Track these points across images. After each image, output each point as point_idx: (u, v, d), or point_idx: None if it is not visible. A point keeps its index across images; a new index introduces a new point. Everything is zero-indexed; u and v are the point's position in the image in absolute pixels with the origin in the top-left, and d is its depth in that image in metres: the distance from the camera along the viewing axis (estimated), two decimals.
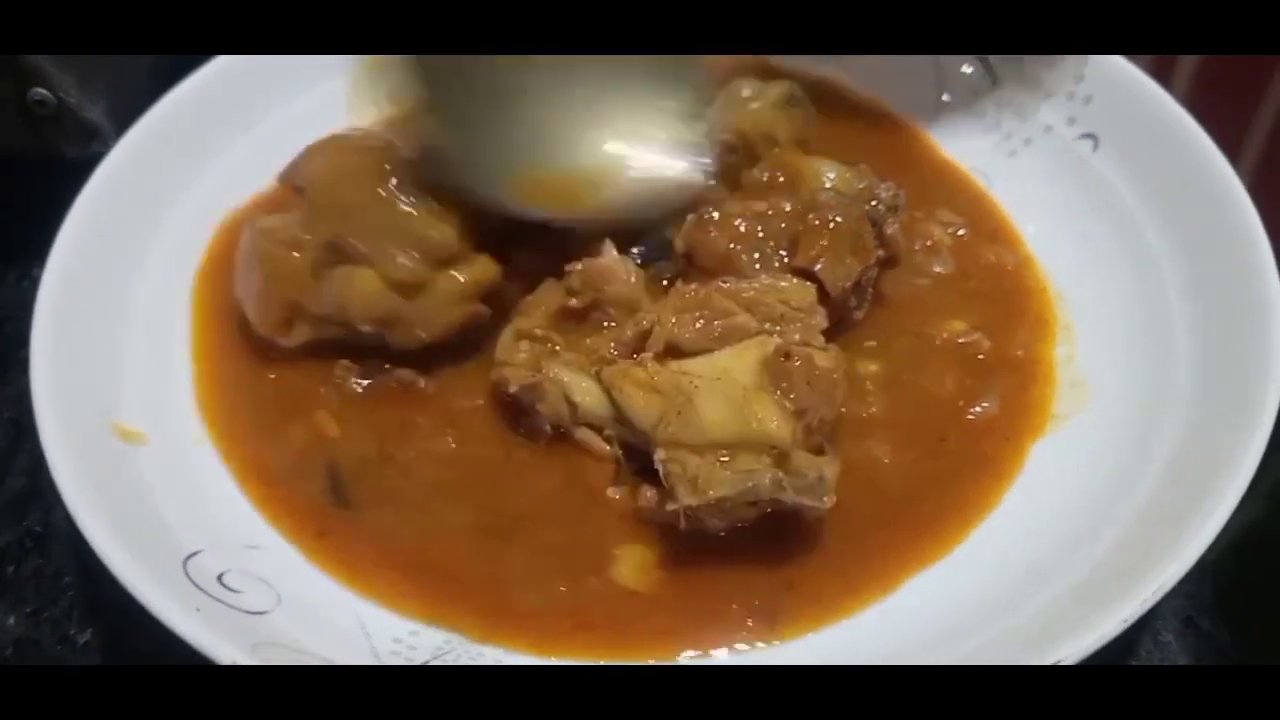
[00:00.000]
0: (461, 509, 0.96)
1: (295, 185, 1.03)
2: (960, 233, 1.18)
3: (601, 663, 0.86)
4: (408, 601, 0.90)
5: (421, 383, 1.03)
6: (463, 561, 0.92)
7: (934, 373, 1.05)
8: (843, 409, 1.00)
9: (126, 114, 1.20)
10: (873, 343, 1.07)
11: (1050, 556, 0.90)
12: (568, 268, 1.04)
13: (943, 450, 1.00)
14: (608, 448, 0.99)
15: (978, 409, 1.02)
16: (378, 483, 0.97)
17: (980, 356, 1.06)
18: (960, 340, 1.08)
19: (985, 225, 1.19)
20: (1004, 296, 1.12)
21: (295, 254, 0.99)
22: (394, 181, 0.98)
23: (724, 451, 0.88)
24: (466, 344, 1.05)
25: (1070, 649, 0.78)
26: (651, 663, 0.86)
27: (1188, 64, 1.50)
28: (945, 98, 1.30)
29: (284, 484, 0.96)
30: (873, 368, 1.06)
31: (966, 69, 1.29)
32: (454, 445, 0.99)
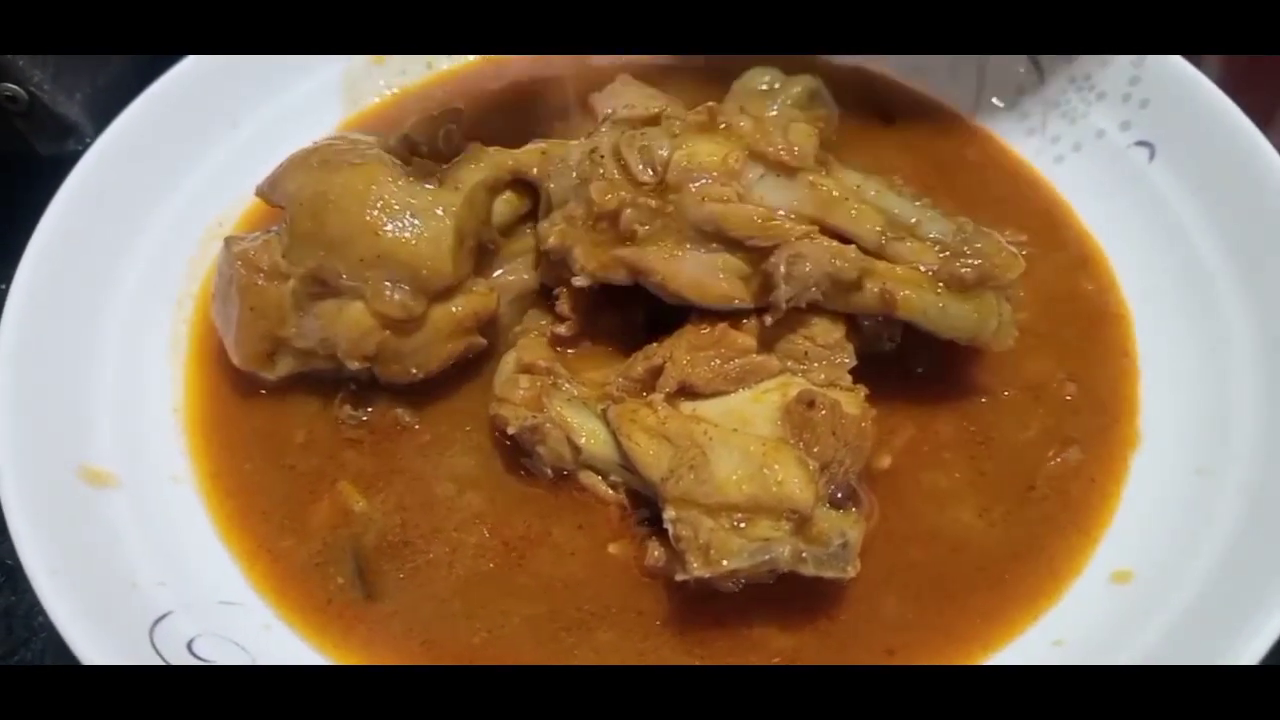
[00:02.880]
0: (515, 600, 0.88)
1: (275, 203, 0.94)
2: (1026, 252, 1.07)
3: None
4: None
5: (417, 425, 0.97)
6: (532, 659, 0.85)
7: (1016, 419, 0.97)
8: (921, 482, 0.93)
9: (105, 108, 1.12)
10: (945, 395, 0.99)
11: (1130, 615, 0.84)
12: (555, 291, 0.96)
13: (1031, 499, 0.92)
14: (612, 493, 0.92)
15: (1062, 456, 0.94)
16: (406, 571, 0.89)
17: (1068, 398, 0.98)
18: (1045, 383, 0.99)
19: (1052, 242, 1.09)
20: (1087, 328, 1.03)
21: (276, 284, 0.91)
22: (380, 204, 0.89)
23: (739, 515, 0.81)
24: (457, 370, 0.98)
25: None
26: None
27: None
28: (989, 95, 1.20)
29: (303, 579, 0.89)
30: (947, 428, 0.97)
31: (1012, 64, 1.19)
32: (488, 534, 0.91)
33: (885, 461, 0.94)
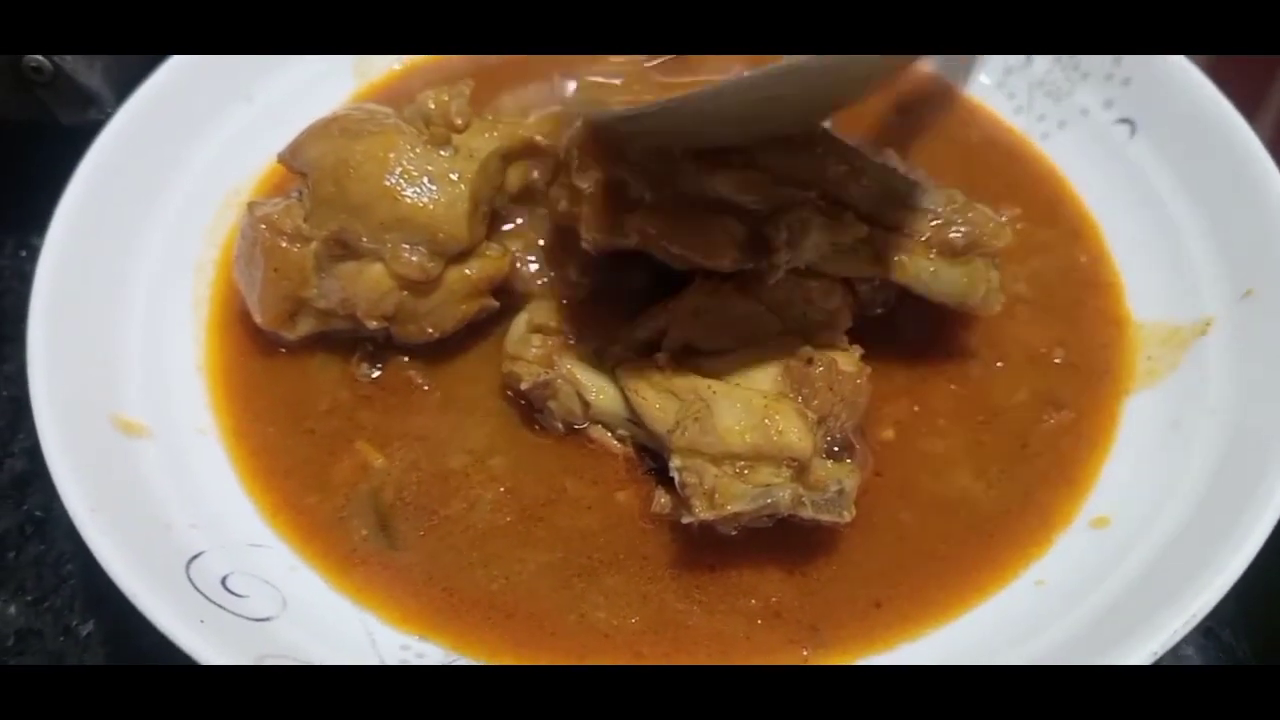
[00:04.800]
0: (531, 550, 0.92)
1: (296, 169, 0.98)
2: (1020, 226, 1.11)
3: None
4: (481, 643, 0.87)
5: (426, 386, 1.01)
6: (546, 603, 0.89)
7: (1010, 384, 1.01)
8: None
9: (125, 79, 1.16)
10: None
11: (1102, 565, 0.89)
12: (564, 256, 1.01)
13: (1024, 456, 0.97)
14: (620, 446, 0.96)
15: (1055, 417, 0.99)
16: (425, 527, 0.93)
17: (1056, 361, 1.03)
18: (1037, 349, 1.03)
19: (1049, 217, 1.14)
20: (1080, 298, 1.07)
21: (299, 247, 0.95)
22: (399, 170, 0.94)
23: (742, 463, 0.86)
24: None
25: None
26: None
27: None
28: (978, 74, 1.25)
29: (328, 530, 0.92)
30: (944, 397, 1.01)
31: None
32: (503, 489, 0.95)
33: (888, 433, 0.98)
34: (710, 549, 0.91)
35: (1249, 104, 1.10)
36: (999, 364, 1.03)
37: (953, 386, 1.02)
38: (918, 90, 1.25)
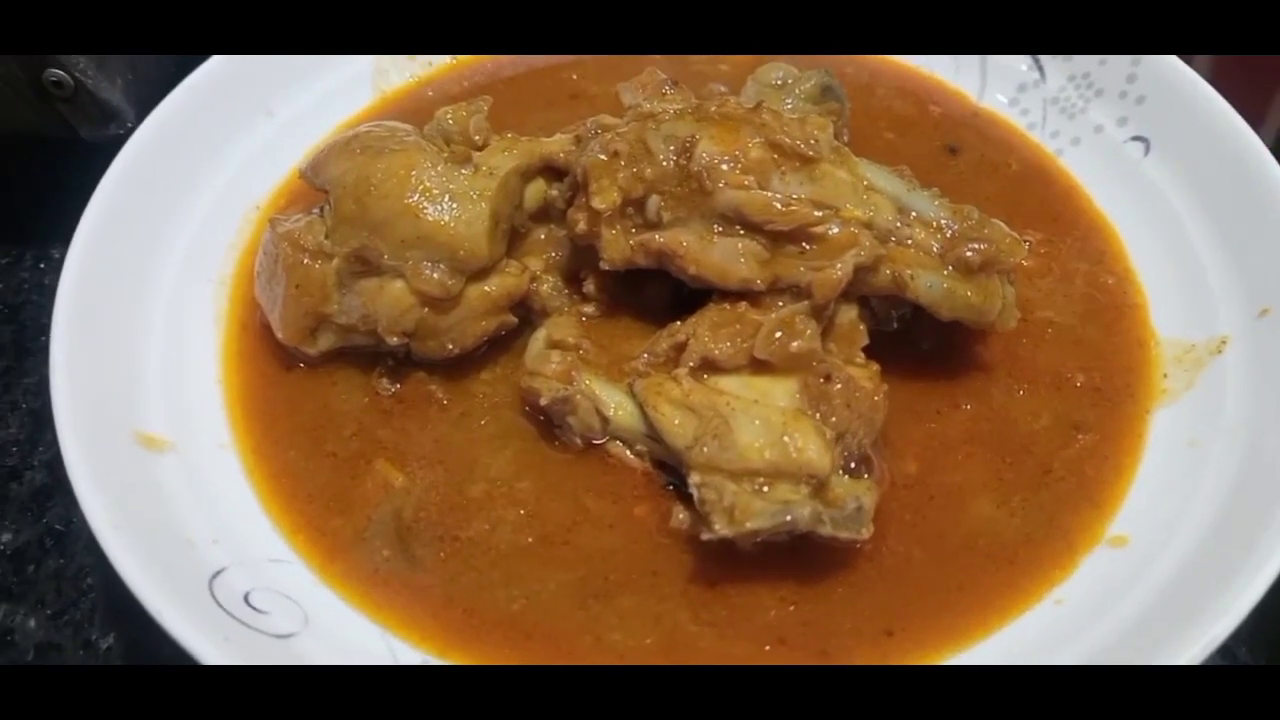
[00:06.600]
0: (551, 569, 0.92)
1: (318, 187, 0.99)
2: (1044, 250, 1.12)
3: None
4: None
5: (446, 400, 1.01)
6: (563, 624, 0.89)
7: (1033, 410, 1.01)
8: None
9: (146, 94, 1.17)
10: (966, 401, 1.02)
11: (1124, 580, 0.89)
12: (582, 274, 1.01)
13: (1047, 482, 0.96)
14: (638, 461, 0.97)
15: (1078, 442, 0.99)
16: (447, 548, 0.93)
17: (1079, 385, 1.02)
18: (1060, 373, 1.03)
19: (1077, 240, 1.14)
20: (1107, 320, 1.07)
21: (320, 264, 0.96)
22: (420, 188, 0.94)
23: (761, 479, 0.86)
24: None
25: None
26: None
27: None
28: (993, 91, 1.26)
29: (350, 551, 0.92)
30: (966, 427, 1.00)
31: (1013, 63, 1.25)
32: (522, 507, 0.95)
33: (911, 467, 0.97)
34: (723, 567, 0.91)
35: (1256, 118, 1.10)
36: (1021, 391, 1.02)
37: (975, 415, 1.01)
38: (982, 138, 1.24)
